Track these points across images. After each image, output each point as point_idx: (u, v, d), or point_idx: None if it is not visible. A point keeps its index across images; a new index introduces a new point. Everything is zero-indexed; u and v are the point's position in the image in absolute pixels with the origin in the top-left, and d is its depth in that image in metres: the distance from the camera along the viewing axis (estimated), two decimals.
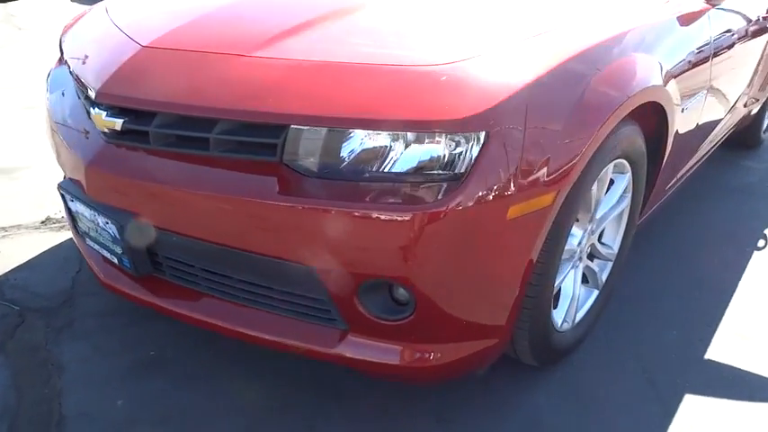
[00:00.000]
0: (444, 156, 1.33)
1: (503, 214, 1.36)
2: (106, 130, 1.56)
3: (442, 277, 1.35)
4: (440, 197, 1.31)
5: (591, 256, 1.97)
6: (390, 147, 1.35)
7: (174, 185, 1.48)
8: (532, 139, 1.37)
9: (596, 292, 2.01)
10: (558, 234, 1.54)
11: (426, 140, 1.34)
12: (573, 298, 1.86)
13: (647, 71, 1.73)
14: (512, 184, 1.35)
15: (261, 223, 1.40)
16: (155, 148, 1.52)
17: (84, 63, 1.76)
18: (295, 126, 1.38)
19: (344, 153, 1.37)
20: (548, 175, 1.40)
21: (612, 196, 1.87)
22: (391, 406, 1.71)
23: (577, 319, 1.93)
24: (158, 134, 1.50)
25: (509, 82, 1.37)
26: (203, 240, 1.49)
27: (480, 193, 1.32)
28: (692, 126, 2.18)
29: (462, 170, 1.32)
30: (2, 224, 2.53)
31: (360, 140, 1.36)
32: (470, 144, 1.32)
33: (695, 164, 2.61)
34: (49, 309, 2.05)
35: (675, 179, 2.34)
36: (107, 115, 1.54)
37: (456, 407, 1.72)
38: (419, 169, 1.34)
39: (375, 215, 1.31)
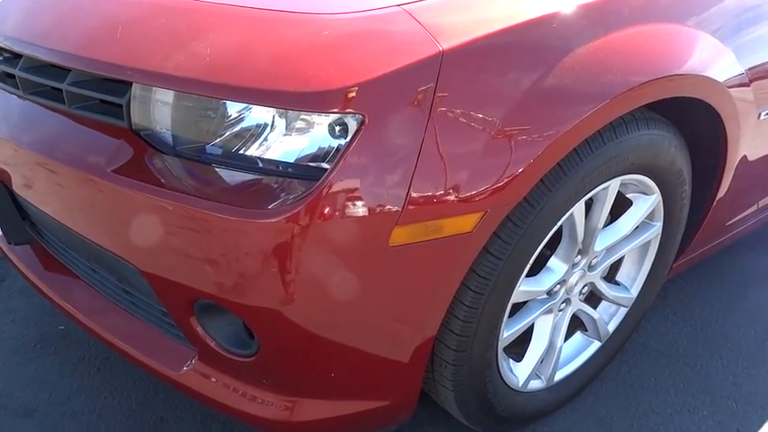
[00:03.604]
0: (301, 144, 0.94)
1: (381, 239, 0.94)
2: None
3: (291, 311, 0.98)
4: (286, 201, 0.93)
5: (593, 299, 1.48)
6: (255, 126, 0.98)
7: (23, 143, 1.21)
8: (441, 133, 0.94)
9: (597, 345, 1.52)
10: (499, 271, 1.10)
11: (290, 121, 0.96)
12: (551, 350, 1.40)
13: (692, 52, 1.20)
14: (397, 197, 0.93)
15: (86, 202, 1.10)
16: (24, 96, 1.26)
17: None
18: (139, 84, 1.05)
19: (195, 125, 1.03)
20: (466, 188, 0.97)
21: (627, 223, 1.37)
22: None
23: (558, 377, 1.46)
24: (24, 80, 1.24)
25: (414, 45, 0.94)
26: (47, 215, 1.22)
27: (340, 205, 0.92)
28: None
29: (323, 168, 0.93)
30: None
31: (207, 110, 1.01)
32: (337, 131, 0.92)
33: None
34: None
35: (748, 212, 1.73)
36: None
37: None
38: (272, 161, 0.97)
39: (196, 213, 0.96)
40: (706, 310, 1.91)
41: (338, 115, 0.91)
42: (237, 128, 1.00)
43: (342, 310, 0.99)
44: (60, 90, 1.14)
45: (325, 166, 0.93)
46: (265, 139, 0.99)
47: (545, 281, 1.27)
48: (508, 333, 1.25)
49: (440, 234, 0.98)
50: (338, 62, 0.92)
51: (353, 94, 0.90)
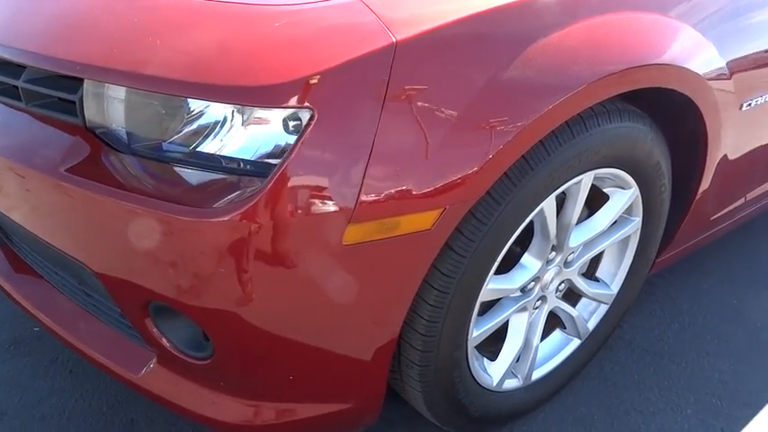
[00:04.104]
0: (257, 141, 0.91)
1: (334, 238, 0.91)
2: None
3: (243, 313, 0.95)
4: (235, 200, 0.90)
5: (572, 296, 1.45)
6: (212, 123, 0.95)
7: None
8: (395, 128, 0.90)
9: (576, 343, 1.49)
10: (463, 269, 1.06)
11: (246, 117, 0.93)
12: (527, 349, 1.37)
13: (667, 43, 1.16)
14: (349, 194, 0.90)
15: (41, 202, 1.08)
16: None
17: None
18: (90, 80, 1.02)
19: (149, 123, 1.00)
20: (423, 185, 0.93)
21: (604, 218, 1.33)
22: None
23: (536, 376, 1.43)
24: None
25: (368, 37, 0.90)
26: (7, 216, 1.19)
27: (289, 203, 0.88)
28: (763, 132, 1.53)
29: (273, 163, 0.90)
30: None
31: (160, 107, 0.98)
32: (291, 127, 0.89)
33: None
34: None
35: (735, 206, 1.69)
36: None
37: None
38: (227, 158, 0.94)
39: (145, 213, 0.93)
40: (694, 305, 1.88)
41: (292, 110, 0.87)
42: (193, 125, 0.97)
43: (295, 312, 0.96)
44: (17, 87, 1.12)
45: (275, 162, 0.90)
46: (222, 136, 0.96)
47: (517, 278, 1.24)
48: (479, 332, 1.21)
49: (397, 232, 0.95)
50: (287, 55, 0.89)
51: (301, 87, 0.87)
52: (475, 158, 0.95)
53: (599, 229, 1.33)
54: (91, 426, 1.40)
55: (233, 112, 0.94)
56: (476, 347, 1.32)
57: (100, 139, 1.05)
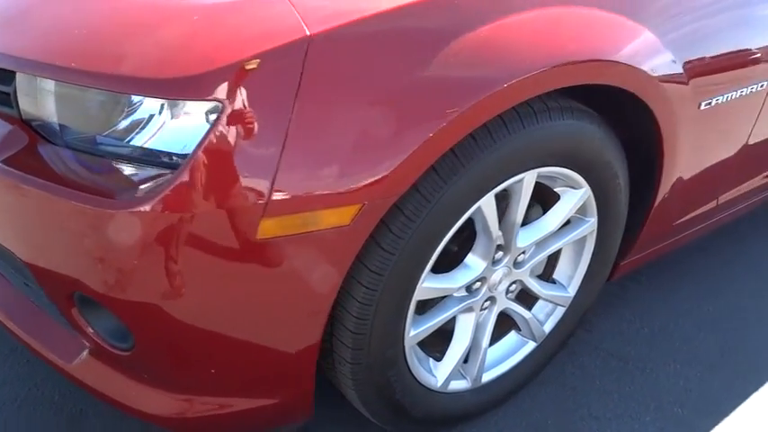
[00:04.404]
0: (179, 133, 0.91)
1: (247, 231, 0.91)
2: None
3: (155, 305, 0.94)
4: (146, 190, 0.90)
5: (528, 298, 1.42)
6: (141, 116, 0.95)
7: None
8: (308, 121, 0.89)
9: (532, 346, 1.46)
10: (391, 266, 1.05)
11: (172, 110, 0.92)
12: (476, 350, 1.35)
13: (608, 38, 1.13)
14: (261, 188, 0.89)
15: None
16: None
17: None
18: (22, 73, 1.03)
19: (78, 115, 1.01)
20: (338, 180, 0.92)
21: (554, 218, 1.31)
22: None
23: (488, 378, 1.41)
24: None
25: (283, 29, 0.89)
26: None
27: (201, 195, 0.88)
28: (728, 133, 1.49)
29: (187, 154, 0.90)
30: None
31: (89, 100, 0.98)
32: (198, 119, 0.89)
33: (752, 195, 1.85)
34: None
35: (704, 209, 1.64)
36: None
37: None
38: (141, 148, 0.94)
39: (63, 204, 0.93)
40: (667, 311, 1.84)
41: (208, 102, 0.87)
42: (128, 119, 0.97)
43: (209, 305, 0.95)
44: None
45: (185, 155, 0.90)
46: (153, 130, 0.95)
47: (459, 278, 1.22)
48: (417, 331, 1.20)
49: (314, 227, 0.94)
50: (202, 48, 0.89)
51: (212, 80, 0.86)
52: (392, 155, 0.93)
53: (549, 230, 1.30)
54: (41, 414, 1.41)
55: (163, 105, 0.94)
56: (422, 348, 1.31)
57: (35, 131, 1.06)
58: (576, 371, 1.60)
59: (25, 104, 1.05)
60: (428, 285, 1.15)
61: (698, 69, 1.29)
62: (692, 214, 1.60)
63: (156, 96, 0.89)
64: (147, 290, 0.94)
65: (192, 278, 0.93)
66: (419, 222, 1.04)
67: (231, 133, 0.88)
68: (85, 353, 1.12)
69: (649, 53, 1.19)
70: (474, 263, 1.24)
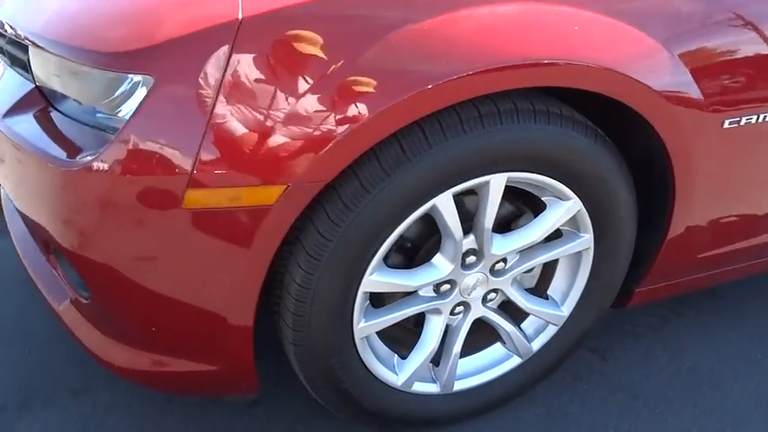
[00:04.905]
0: (111, 98, 0.99)
1: (174, 199, 0.96)
2: None
3: (97, 259, 1.03)
4: (89, 151, 0.99)
5: (517, 311, 1.35)
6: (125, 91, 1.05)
7: None
8: (234, 101, 0.93)
9: (516, 361, 1.39)
10: (329, 253, 1.05)
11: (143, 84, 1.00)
12: (447, 355, 1.31)
13: (593, 39, 1.05)
14: (185, 160, 0.94)
15: None
16: None
17: None
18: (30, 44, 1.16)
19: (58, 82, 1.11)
20: (261, 160, 0.95)
21: (537, 228, 1.23)
22: None
23: (463, 386, 1.36)
24: None
25: (217, 10, 0.93)
26: None
27: (132, 161, 0.95)
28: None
29: (127, 119, 0.97)
30: None
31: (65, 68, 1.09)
32: (136, 90, 0.96)
33: None
34: None
35: (739, 246, 1.44)
36: None
37: None
38: (103, 116, 1.03)
39: (30, 159, 1.05)
40: (705, 352, 1.65)
41: (149, 76, 0.94)
42: (115, 91, 1.07)
43: (142, 265, 1.02)
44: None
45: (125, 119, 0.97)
46: (128, 102, 1.04)
47: (420, 276, 1.19)
48: (369, 323, 1.19)
49: (239, 203, 0.97)
50: (137, 23, 0.96)
51: (145, 55, 0.93)
52: (318, 140, 0.94)
53: (532, 240, 1.23)
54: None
55: (134, 79, 1.01)
56: (390, 344, 1.30)
57: (44, 96, 1.19)
58: (575, 397, 1.50)
59: (36, 73, 1.18)
60: (378, 279, 1.14)
61: (718, 82, 1.16)
62: (727, 248, 1.43)
63: (101, 68, 0.97)
64: (88, 244, 1.03)
65: (125, 238, 1.00)
66: (358, 212, 1.04)
67: (161, 106, 0.94)
68: (68, 300, 1.24)
69: (646, 62, 1.09)
70: (441, 263, 1.21)
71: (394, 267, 1.20)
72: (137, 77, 0.95)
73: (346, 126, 0.95)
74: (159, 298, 1.06)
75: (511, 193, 1.25)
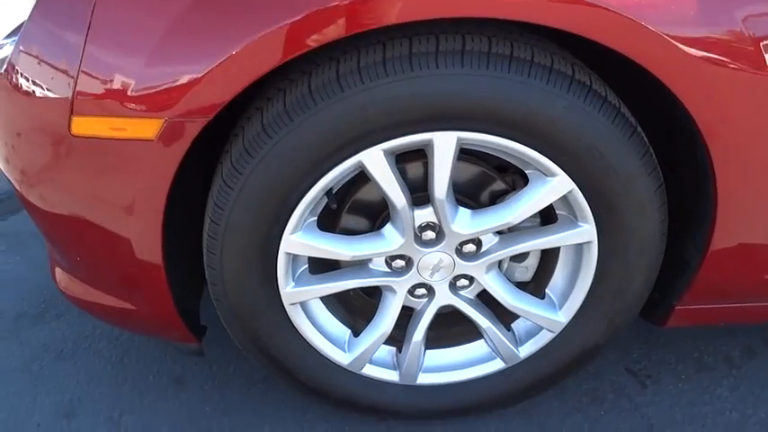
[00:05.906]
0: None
1: (62, 124, 0.90)
2: None
3: (17, 184, 1.03)
4: None
5: (502, 310, 1.11)
6: None
7: None
8: (106, 28, 0.84)
9: (498, 365, 1.15)
10: (231, 203, 0.93)
11: None
12: (408, 343, 1.12)
13: None
14: (65, 85, 0.88)
15: None
16: None
17: None
18: None
19: None
20: (134, 91, 0.85)
21: (516, 205, 0.97)
22: None
23: (427, 380, 1.16)
24: None
25: None
26: None
27: (21, 81, 0.91)
28: None
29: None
30: None
31: None
32: (24, 13, 0.91)
33: None
34: None
35: None
36: None
37: None
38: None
39: None
40: None
41: None
42: None
43: (47, 191, 0.99)
44: None
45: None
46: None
47: (361, 246, 1.02)
48: (299, 288, 1.04)
49: (123, 134, 0.89)
50: None
51: None
52: (189, 72, 0.82)
53: (506, 220, 0.99)
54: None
55: None
56: (345, 321, 1.15)
57: None
58: (582, 424, 1.22)
59: None
60: (301, 240, 0.99)
61: None
62: None
63: None
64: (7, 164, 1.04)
65: (28, 162, 0.99)
66: (258, 160, 0.90)
67: (41, 28, 0.90)
68: None
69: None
70: (390, 235, 1.02)
71: (348, 233, 1.05)
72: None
73: (214, 58, 0.81)
74: (70, 225, 1.02)
75: (498, 166, 1.02)
